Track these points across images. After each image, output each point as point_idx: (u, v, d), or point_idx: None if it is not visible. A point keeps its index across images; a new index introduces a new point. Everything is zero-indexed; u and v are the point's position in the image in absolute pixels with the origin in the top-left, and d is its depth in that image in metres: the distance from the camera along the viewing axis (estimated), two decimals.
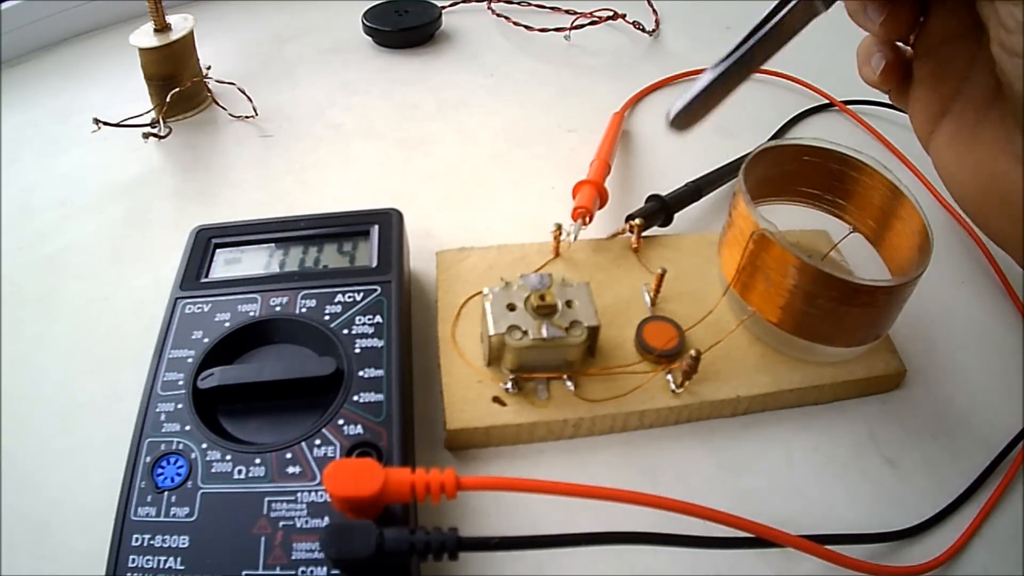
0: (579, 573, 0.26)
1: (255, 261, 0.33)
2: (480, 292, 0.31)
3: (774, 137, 0.46)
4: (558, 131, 0.47)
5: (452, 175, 0.44)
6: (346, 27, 0.56)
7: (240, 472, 0.25)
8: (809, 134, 0.46)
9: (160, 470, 0.25)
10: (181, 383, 0.28)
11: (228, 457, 0.26)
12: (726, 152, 0.42)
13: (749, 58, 0.26)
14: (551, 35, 0.56)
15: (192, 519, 0.24)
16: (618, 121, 0.45)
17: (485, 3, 0.60)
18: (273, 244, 0.34)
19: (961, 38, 0.27)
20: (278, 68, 0.53)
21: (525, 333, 0.28)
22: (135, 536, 0.24)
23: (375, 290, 0.31)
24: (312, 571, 0.23)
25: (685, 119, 0.27)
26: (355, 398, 0.27)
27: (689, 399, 0.30)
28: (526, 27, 0.56)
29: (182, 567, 0.23)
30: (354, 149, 0.46)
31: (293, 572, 0.23)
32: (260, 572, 0.23)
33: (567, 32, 0.56)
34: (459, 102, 0.50)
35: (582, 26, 0.56)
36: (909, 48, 0.29)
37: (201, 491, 0.25)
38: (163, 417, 0.27)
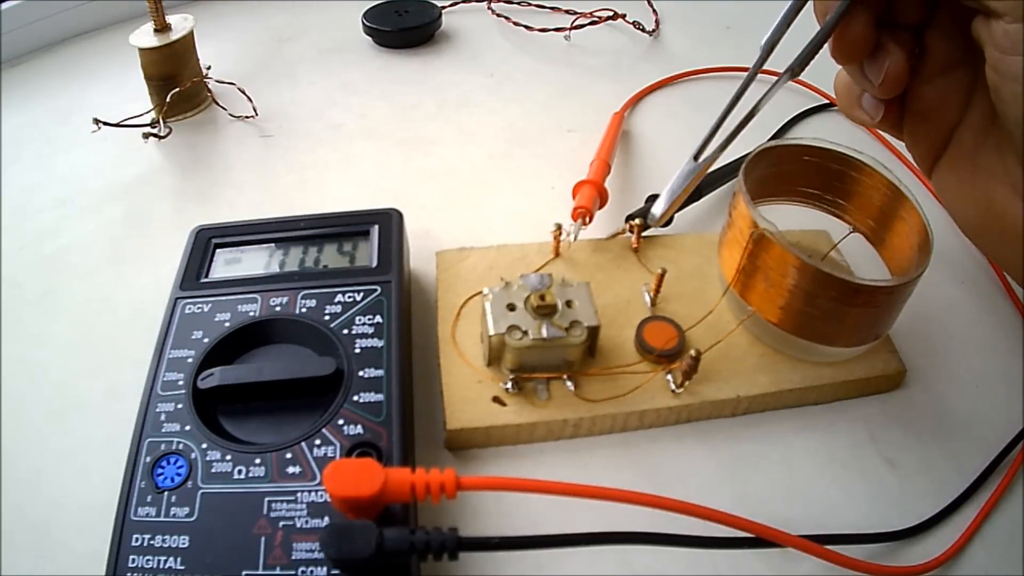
0: (579, 573, 0.26)
1: (255, 261, 0.33)
2: (480, 292, 0.31)
3: (774, 137, 0.46)
4: (558, 131, 0.47)
5: (452, 175, 0.44)
6: (346, 27, 0.56)
7: (240, 472, 0.25)
8: (809, 134, 0.46)
9: (160, 470, 0.25)
10: (181, 383, 0.28)
11: (228, 457, 0.26)
12: (726, 152, 0.41)
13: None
14: (551, 35, 0.56)
15: (192, 519, 0.24)
16: (618, 121, 0.45)
17: (485, 3, 0.60)
18: (273, 244, 0.34)
19: (958, 65, 0.26)
20: (278, 68, 0.53)
21: (525, 333, 0.28)
22: (135, 536, 0.24)
23: (375, 290, 0.31)
24: (312, 571, 0.23)
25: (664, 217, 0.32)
26: (355, 398, 0.27)
27: (689, 399, 0.30)
28: (526, 27, 0.56)
29: (182, 567, 0.23)
30: (354, 149, 0.46)
31: (293, 572, 0.23)
32: (260, 572, 0.23)
33: (567, 32, 0.56)
34: (459, 102, 0.50)
35: (582, 26, 0.56)
36: None
37: (201, 491, 0.25)
38: (163, 417, 0.27)
